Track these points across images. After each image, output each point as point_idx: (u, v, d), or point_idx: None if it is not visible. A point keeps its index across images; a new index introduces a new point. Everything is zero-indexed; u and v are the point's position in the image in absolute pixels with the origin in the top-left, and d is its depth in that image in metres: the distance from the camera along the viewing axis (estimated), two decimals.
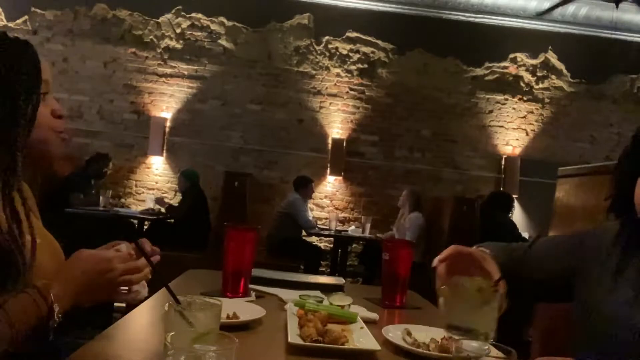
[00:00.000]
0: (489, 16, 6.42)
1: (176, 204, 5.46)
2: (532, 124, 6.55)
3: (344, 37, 6.41)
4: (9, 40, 0.91)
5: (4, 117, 0.85)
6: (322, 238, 6.04)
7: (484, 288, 0.89)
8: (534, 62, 6.55)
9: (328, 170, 6.29)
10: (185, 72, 6.31)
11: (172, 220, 5.10)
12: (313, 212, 5.95)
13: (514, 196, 6.15)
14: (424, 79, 6.45)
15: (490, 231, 4.24)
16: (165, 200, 5.54)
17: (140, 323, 1.11)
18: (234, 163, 6.20)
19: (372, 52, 6.43)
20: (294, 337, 0.98)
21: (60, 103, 0.98)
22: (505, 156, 6.47)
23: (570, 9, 6.31)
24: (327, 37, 6.39)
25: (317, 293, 1.46)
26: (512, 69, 6.53)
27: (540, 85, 6.56)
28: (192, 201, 5.08)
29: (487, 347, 0.69)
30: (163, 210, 5.29)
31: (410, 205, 5.03)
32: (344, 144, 6.30)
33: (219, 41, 6.33)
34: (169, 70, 6.30)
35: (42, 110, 0.91)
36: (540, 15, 6.29)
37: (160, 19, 6.31)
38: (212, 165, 6.11)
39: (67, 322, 0.83)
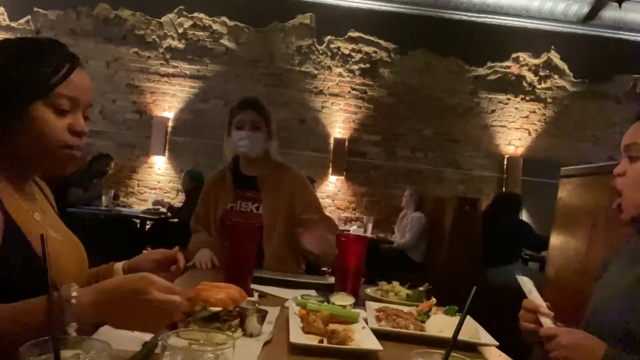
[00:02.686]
0: (491, 16, 6.41)
1: (177, 204, 5.46)
2: (535, 124, 6.54)
3: (345, 36, 6.40)
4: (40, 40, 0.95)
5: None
6: None
7: None
8: (536, 61, 6.53)
9: (330, 170, 6.29)
10: (188, 72, 6.31)
11: (176, 220, 5.11)
12: None
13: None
14: (426, 79, 6.44)
15: (494, 235, 4.21)
16: (166, 200, 5.54)
17: None
18: None
19: (374, 52, 6.42)
20: (295, 337, 0.98)
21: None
22: (507, 156, 6.46)
23: (573, 8, 6.30)
24: (329, 37, 6.39)
25: (313, 292, 1.46)
26: (515, 69, 6.52)
27: (543, 85, 6.54)
28: (191, 200, 5.07)
29: None
30: (164, 209, 5.30)
31: (414, 205, 5.03)
32: (346, 144, 6.29)
33: (221, 41, 6.33)
34: (171, 70, 6.31)
35: (56, 123, 0.91)
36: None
37: (163, 19, 6.32)
38: (214, 165, 6.08)
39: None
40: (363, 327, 1.10)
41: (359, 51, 6.41)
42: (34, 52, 0.91)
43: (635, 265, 1.05)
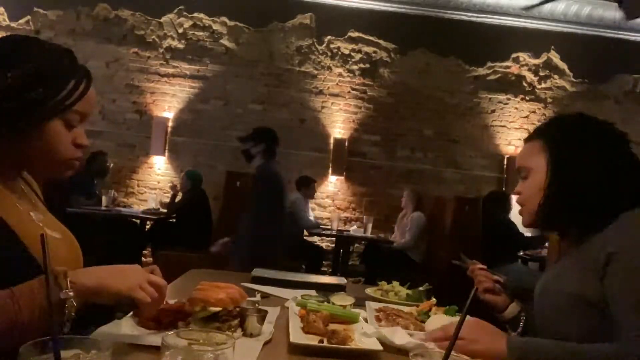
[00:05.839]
0: (491, 15, 6.41)
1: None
2: (535, 124, 6.52)
3: (345, 36, 6.40)
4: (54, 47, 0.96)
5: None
6: (324, 238, 6.03)
7: None
8: (536, 61, 6.53)
9: (330, 170, 6.29)
10: (187, 72, 6.31)
11: (174, 220, 5.11)
12: (315, 212, 5.95)
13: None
14: (426, 79, 6.44)
15: (487, 235, 4.23)
16: (165, 200, 5.54)
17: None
18: (235, 163, 6.18)
19: (374, 52, 6.42)
20: (295, 337, 0.98)
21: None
22: (507, 156, 6.46)
23: (573, 8, 6.30)
24: (329, 37, 6.38)
25: (313, 292, 1.46)
26: (515, 69, 6.52)
27: (543, 85, 6.54)
28: (190, 200, 5.08)
29: None
30: (164, 210, 5.30)
31: (413, 204, 5.03)
32: (346, 144, 6.29)
33: (221, 41, 6.33)
34: (171, 70, 6.30)
35: (65, 138, 0.94)
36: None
37: (163, 19, 6.32)
38: (213, 165, 6.11)
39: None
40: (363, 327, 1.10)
41: (359, 51, 6.41)
42: (56, 69, 0.91)
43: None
